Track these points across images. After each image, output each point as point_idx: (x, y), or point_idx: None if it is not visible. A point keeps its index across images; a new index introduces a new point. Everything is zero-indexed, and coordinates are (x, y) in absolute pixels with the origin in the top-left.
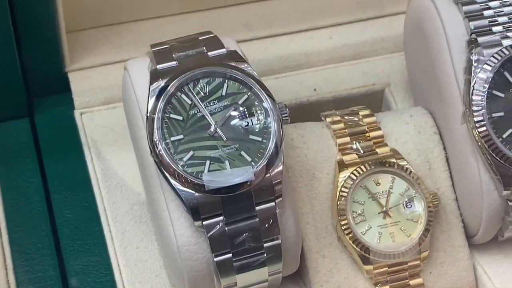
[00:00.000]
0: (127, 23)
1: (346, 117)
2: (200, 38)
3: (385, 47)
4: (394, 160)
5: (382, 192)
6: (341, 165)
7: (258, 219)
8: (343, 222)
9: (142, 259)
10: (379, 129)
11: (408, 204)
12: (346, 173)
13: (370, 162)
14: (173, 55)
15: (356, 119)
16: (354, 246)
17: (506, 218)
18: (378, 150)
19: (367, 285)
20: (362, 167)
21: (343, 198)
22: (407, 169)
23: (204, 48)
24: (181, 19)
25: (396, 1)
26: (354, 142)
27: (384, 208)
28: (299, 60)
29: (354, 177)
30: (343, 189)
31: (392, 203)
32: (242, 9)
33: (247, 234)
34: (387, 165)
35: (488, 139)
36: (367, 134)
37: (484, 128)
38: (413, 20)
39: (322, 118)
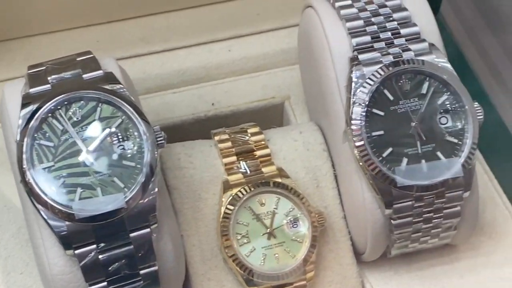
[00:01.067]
0: (20, 39)
1: (234, 136)
2: (77, 59)
3: (286, 58)
4: (279, 180)
5: (267, 212)
6: (226, 186)
7: (132, 246)
8: (226, 244)
9: (26, 285)
10: (267, 147)
11: (294, 224)
12: (230, 194)
13: (254, 183)
14: (48, 78)
15: (244, 137)
16: (238, 269)
17: (391, 236)
18: (264, 169)
19: None
20: (246, 187)
21: (226, 220)
22: (292, 188)
23: (80, 70)
24: (77, 34)
25: (297, 12)
26: (240, 161)
27: (269, 229)
28: (198, 74)
29: (238, 198)
30: (226, 210)
31: (277, 223)
32: (138, 23)
33: (122, 261)
34: (272, 185)
35: (368, 159)
36: (255, 152)
37: (363, 147)
38: (303, 34)
39: (212, 136)
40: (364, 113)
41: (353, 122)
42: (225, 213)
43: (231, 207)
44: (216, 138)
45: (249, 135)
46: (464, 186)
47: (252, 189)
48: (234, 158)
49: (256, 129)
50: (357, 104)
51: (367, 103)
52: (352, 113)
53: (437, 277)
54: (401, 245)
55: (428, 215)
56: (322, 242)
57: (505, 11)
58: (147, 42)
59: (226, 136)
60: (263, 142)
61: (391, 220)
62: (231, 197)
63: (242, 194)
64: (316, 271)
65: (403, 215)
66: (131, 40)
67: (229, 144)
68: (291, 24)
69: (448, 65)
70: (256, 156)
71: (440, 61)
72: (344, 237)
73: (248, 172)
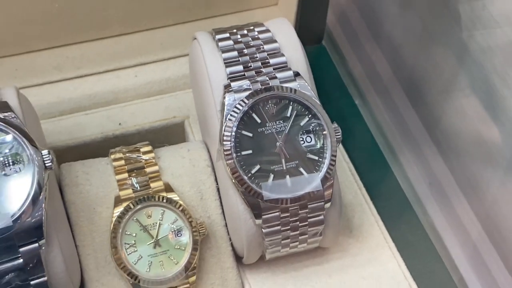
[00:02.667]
0: None
1: (128, 154)
2: None
3: (186, 82)
4: (164, 194)
5: (153, 224)
6: (117, 200)
7: (22, 260)
8: (115, 253)
9: None
10: (155, 165)
11: (177, 233)
12: (120, 208)
13: (142, 197)
14: None
15: (135, 156)
16: (126, 276)
17: (264, 242)
18: (152, 185)
19: None
20: (134, 202)
21: (115, 232)
22: (176, 202)
23: None
24: None
25: None
26: (131, 178)
27: (154, 239)
28: (107, 97)
29: (126, 212)
30: (116, 223)
31: (162, 233)
32: (53, 53)
33: (12, 274)
34: (157, 199)
35: (238, 175)
36: (145, 169)
37: (233, 165)
38: (191, 63)
39: (109, 155)
40: (234, 134)
41: (224, 142)
42: (114, 225)
43: (120, 220)
44: (112, 156)
45: (141, 153)
46: (325, 198)
47: (139, 203)
48: (126, 175)
49: (148, 148)
50: (228, 126)
51: (236, 125)
52: (223, 134)
53: (308, 277)
54: (274, 250)
55: (294, 224)
56: (205, 248)
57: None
58: (61, 70)
59: (120, 155)
60: (153, 160)
61: (262, 229)
62: (120, 210)
63: (130, 208)
64: (200, 275)
65: (272, 225)
66: (47, 68)
67: (122, 162)
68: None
69: (310, 91)
70: (146, 173)
71: (303, 87)
72: (225, 243)
73: (138, 187)
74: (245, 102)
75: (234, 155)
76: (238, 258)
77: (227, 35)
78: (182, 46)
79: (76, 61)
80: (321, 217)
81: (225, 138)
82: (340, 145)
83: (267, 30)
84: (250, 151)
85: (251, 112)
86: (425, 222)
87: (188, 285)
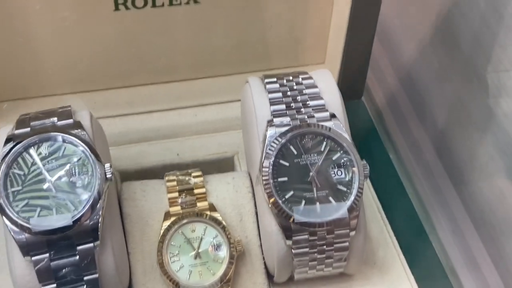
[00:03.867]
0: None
1: (180, 177)
2: (57, 110)
3: (238, 123)
4: (208, 213)
5: (196, 237)
6: (167, 215)
7: (78, 256)
8: (160, 261)
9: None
10: (203, 187)
11: (217, 248)
12: (168, 222)
13: (189, 213)
14: (30, 123)
15: (187, 178)
16: (168, 281)
17: (293, 262)
18: (199, 204)
19: None
20: (181, 217)
21: (163, 241)
22: (217, 220)
23: (56, 118)
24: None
25: None
26: (181, 197)
27: (195, 250)
28: (169, 132)
29: (173, 225)
30: (164, 233)
31: (203, 246)
32: (128, 91)
33: (68, 268)
34: (202, 216)
35: (273, 199)
36: (194, 191)
37: (269, 190)
38: (242, 103)
39: (164, 177)
40: (272, 162)
41: (264, 169)
42: (162, 236)
43: (168, 231)
44: (166, 178)
45: (192, 177)
46: (350, 226)
47: (186, 218)
48: (176, 194)
49: (198, 173)
50: (268, 155)
51: (275, 155)
52: (263, 162)
53: None
54: (301, 271)
55: (321, 247)
56: (240, 264)
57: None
58: (132, 106)
59: (173, 177)
60: (201, 183)
61: (292, 250)
62: (168, 223)
63: (177, 222)
64: (234, 287)
65: (301, 246)
66: (120, 103)
67: (174, 183)
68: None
69: (343, 131)
70: (194, 194)
71: (337, 127)
72: (258, 261)
73: (185, 205)
74: (284, 135)
75: (271, 181)
76: (270, 277)
77: (275, 79)
78: (237, 92)
79: (146, 98)
80: (346, 243)
81: (264, 165)
82: (371, 187)
83: (310, 77)
84: (286, 178)
85: (289, 145)
86: (443, 258)
87: None
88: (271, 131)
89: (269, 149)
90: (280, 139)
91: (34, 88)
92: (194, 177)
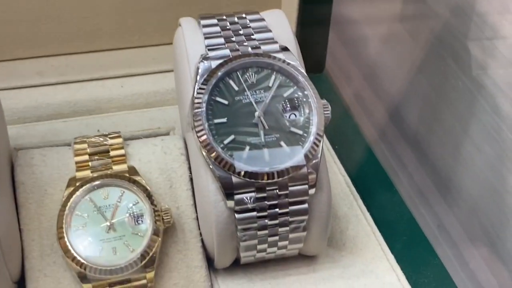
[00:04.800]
0: None
1: (93, 139)
2: None
3: (175, 97)
4: (127, 175)
5: (109, 205)
6: (71, 181)
7: None
8: (61, 236)
9: None
10: (122, 148)
11: (137, 218)
12: (73, 188)
13: (99, 175)
14: None
15: (101, 139)
16: (71, 262)
17: (237, 233)
18: (115, 167)
19: None
20: (89, 180)
21: (64, 211)
22: (139, 183)
23: None
24: None
25: None
26: (91, 160)
27: (108, 221)
28: (89, 106)
29: (79, 190)
30: (65, 201)
31: (118, 216)
32: (37, 61)
33: None
34: (118, 178)
35: (208, 144)
36: (109, 153)
37: (203, 133)
38: (174, 49)
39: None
40: (206, 100)
41: (195, 109)
42: (63, 204)
43: (71, 198)
44: (74, 140)
45: (108, 138)
46: (309, 181)
47: (95, 181)
48: (86, 157)
49: (116, 134)
50: (201, 91)
51: (210, 90)
52: (195, 100)
53: (291, 285)
54: (249, 245)
55: (273, 210)
56: (169, 242)
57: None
58: (42, 76)
59: (83, 139)
60: (119, 145)
61: (235, 213)
62: (72, 189)
63: (83, 186)
64: (161, 272)
65: (245, 208)
66: (28, 74)
67: (84, 145)
68: None
69: (297, 63)
70: (110, 156)
71: (290, 59)
72: (194, 239)
73: (97, 169)
74: (221, 67)
75: (206, 123)
76: (210, 262)
77: (211, 16)
78: (170, 62)
79: (61, 68)
80: (305, 205)
81: (196, 103)
82: (337, 159)
83: (256, 12)
84: (225, 120)
85: (228, 79)
86: (428, 231)
87: (145, 281)
88: (205, 64)
89: (202, 83)
90: (216, 72)
91: None
92: (112, 138)
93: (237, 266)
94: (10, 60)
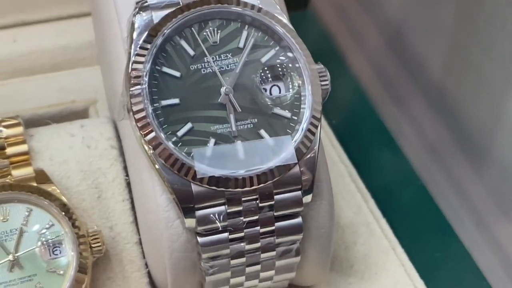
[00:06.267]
0: None
1: None
2: None
3: (93, 54)
4: (35, 185)
5: (11, 231)
6: None
7: None
8: None
9: None
10: (23, 142)
11: (53, 248)
12: None
13: None
14: None
15: None
16: None
17: (200, 263)
18: (15, 172)
19: None
20: None
21: None
22: (54, 196)
23: None
24: None
25: None
26: None
27: (11, 255)
28: None
29: None
30: None
31: (25, 247)
32: None
33: None
34: (22, 191)
35: (153, 139)
36: (5, 150)
37: (145, 122)
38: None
39: None
40: (147, 73)
41: (132, 87)
42: None
43: None
44: None
45: (2, 128)
46: (303, 184)
47: None
48: None
49: (14, 121)
50: (139, 60)
51: (152, 59)
52: (131, 73)
53: None
54: (218, 280)
55: (252, 229)
56: (102, 279)
57: None
58: None
59: None
60: (20, 137)
61: (197, 237)
62: None
63: None
64: None
65: (212, 228)
66: None
67: None
68: None
69: (279, 11)
70: (6, 155)
71: (267, 4)
72: (137, 272)
73: None
74: (167, 22)
75: (149, 106)
76: None
77: None
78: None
79: None
80: (298, 219)
81: (133, 78)
82: (335, 141)
83: None
84: (176, 100)
85: (179, 39)
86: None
87: None
88: (144, 18)
89: (141, 47)
90: (160, 30)
91: None
92: (7, 127)
93: None
94: None
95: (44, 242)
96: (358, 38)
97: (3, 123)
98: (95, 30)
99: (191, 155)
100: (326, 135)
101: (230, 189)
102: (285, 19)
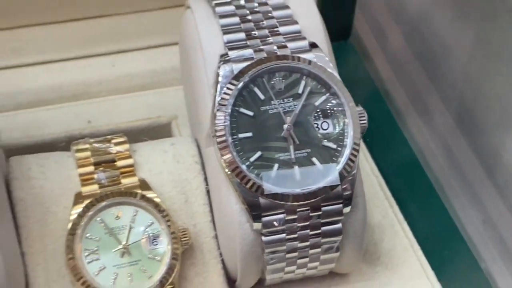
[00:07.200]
0: None
1: (95, 145)
2: None
3: (176, 77)
4: (139, 191)
5: (122, 226)
6: (78, 198)
7: None
8: (71, 262)
9: None
10: (130, 157)
11: (153, 241)
12: (81, 206)
13: (111, 193)
14: None
15: (105, 146)
16: None
17: (263, 256)
18: (124, 181)
19: None
20: (99, 198)
21: (73, 234)
22: (153, 201)
23: None
24: None
25: None
26: (98, 171)
27: (122, 245)
28: (75, 91)
29: (88, 210)
30: (74, 223)
31: (133, 239)
32: (11, 34)
33: None
34: (130, 196)
35: (232, 163)
36: (116, 163)
37: (227, 151)
38: (181, 40)
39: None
40: (229, 112)
41: (217, 122)
42: (72, 226)
43: (80, 220)
44: (74, 147)
45: (113, 145)
46: (344, 199)
47: (106, 200)
48: (91, 168)
49: (121, 139)
50: (223, 102)
51: (233, 102)
52: (216, 112)
53: None
54: (276, 268)
55: (303, 231)
56: (188, 264)
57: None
58: (20, 54)
59: (85, 146)
60: (126, 152)
61: (262, 236)
62: (80, 209)
63: (94, 204)
64: None
65: (274, 230)
66: (2, 50)
67: (87, 153)
68: None
69: (329, 65)
70: (117, 167)
71: (321, 60)
72: (214, 259)
73: (105, 183)
74: (245, 73)
75: (229, 138)
76: (231, 282)
77: (232, 8)
78: (173, 32)
79: (40, 44)
80: (339, 225)
81: (218, 117)
82: (368, 156)
83: (285, 6)
84: (250, 134)
85: (253, 86)
86: (473, 248)
87: None
88: (226, 69)
89: (224, 93)
90: (239, 79)
91: None
92: (116, 144)
93: (261, 286)
94: None
95: (147, 236)
96: (398, 69)
97: (113, 141)
98: (182, 69)
99: (260, 176)
100: (361, 151)
101: (288, 203)
102: (334, 72)
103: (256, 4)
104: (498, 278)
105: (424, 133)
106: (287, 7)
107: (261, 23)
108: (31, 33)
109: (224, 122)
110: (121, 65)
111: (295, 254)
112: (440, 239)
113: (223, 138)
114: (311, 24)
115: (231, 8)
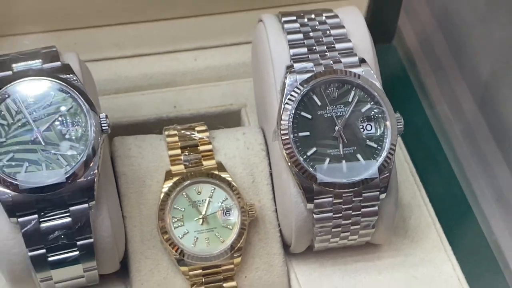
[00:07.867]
0: (3, 37)
1: (182, 132)
2: (41, 51)
3: (247, 71)
4: (216, 172)
5: (202, 200)
6: (168, 175)
7: (70, 218)
8: (161, 226)
9: None
10: (209, 143)
11: (226, 212)
12: (170, 182)
13: (194, 173)
14: (12, 66)
15: (190, 133)
16: (171, 249)
17: (314, 229)
18: (205, 163)
19: (184, 285)
20: (185, 177)
21: (164, 204)
22: (227, 181)
23: (41, 60)
24: (56, 36)
25: None
26: (184, 154)
27: (202, 215)
28: (164, 79)
29: (176, 186)
30: (165, 196)
31: (210, 211)
32: (113, 30)
33: (60, 231)
34: (209, 176)
35: (293, 156)
36: (198, 147)
37: (289, 146)
38: (254, 46)
39: (163, 132)
40: (292, 115)
41: (282, 122)
42: (163, 198)
43: (169, 194)
44: (166, 133)
45: (196, 132)
46: (381, 188)
47: (190, 178)
48: (178, 151)
49: (203, 128)
50: (288, 106)
51: (296, 106)
52: (282, 114)
53: (357, 271)
54: (323, 239)
55: (347, 212)
56: (252, 232)
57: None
58: (120, 48)
59: (174, 132)
60: (207, 139)
61: (313, 214)
62: (170, 184)
63: (180, 182)
64: (245, 258)
65: (323, 210)
66: (106, 44)
67: (176, 138)
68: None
69: (375, 78)
70: (199, 151)
71: (368, 74)
72: (273, 229)
73: (190, 164)
74: (306, 83)
75: (291, 135)
76: (286, 247)
77: (294, 18)
78: (245, 33)
79: (136, 39)
80: (375, 207)
81: (283, 118)
82: (403, 146)
83: (336, 16)
84: (308, 133)
85: (312, 94)
86: (485, 228)
87: (232, 266)
88: (291, 79)
89: (289, 99)
90: (301, 88)
91: (1, 26)
92: (199, 132)
93: (310, 252)
94: (87, 28)
95: (221, 209)
96: (440, 74)
97: (196, 128)
98: (252, 63)
99: (314, 167)
100: (398, 144)
101: (336, 190)
102: (378, 84)
103: (317, 23)
104: (508, 252)
105: (458, 136)
106: (342, 26)
107: (320, 39)
108: (130, 30)
109: (288, 122)
110: (202, 60)
111: (339, 229)
112: (457, 219)
113: (286, 136)
114: (362, 42)
115: (296, 25)
